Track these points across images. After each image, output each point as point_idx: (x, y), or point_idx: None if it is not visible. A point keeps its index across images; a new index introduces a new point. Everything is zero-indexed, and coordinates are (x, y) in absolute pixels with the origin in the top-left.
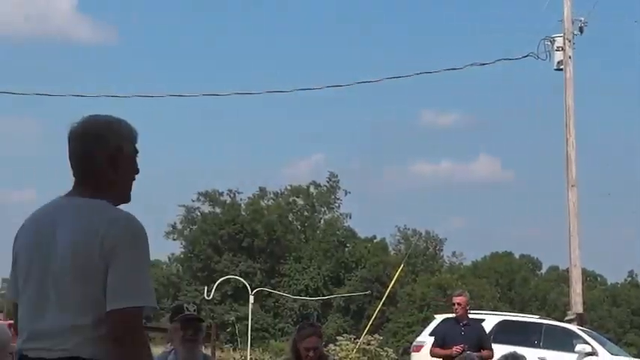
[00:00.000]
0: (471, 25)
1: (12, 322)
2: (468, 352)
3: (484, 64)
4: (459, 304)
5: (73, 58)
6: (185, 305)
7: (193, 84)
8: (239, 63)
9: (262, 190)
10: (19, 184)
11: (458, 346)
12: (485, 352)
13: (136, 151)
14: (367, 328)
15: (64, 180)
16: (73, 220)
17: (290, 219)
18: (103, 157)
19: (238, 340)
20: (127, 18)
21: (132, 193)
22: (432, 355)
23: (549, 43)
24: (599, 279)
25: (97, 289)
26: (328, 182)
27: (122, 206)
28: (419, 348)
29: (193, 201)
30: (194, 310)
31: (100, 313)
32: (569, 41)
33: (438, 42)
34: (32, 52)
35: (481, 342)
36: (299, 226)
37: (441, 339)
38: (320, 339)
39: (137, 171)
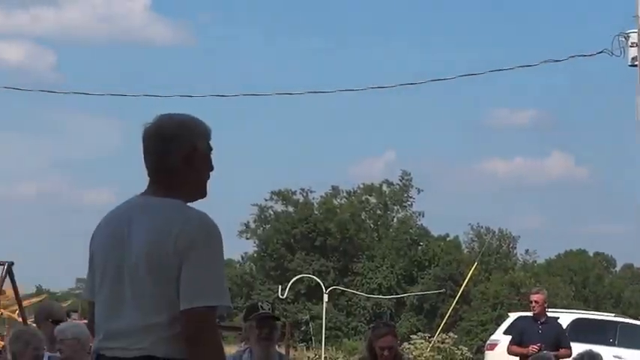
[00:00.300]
0: (543, 21)
1: (87, 321)
2: (545, 351)
3: (557, 61)
4: (536, 301)
5: (147, 57)
6: (260, 304)
7: (266, 83)
8: (311, 60)
9: (335, 188)
10: (94, 185)
11: (535, 345)
12: (562, 351)
13: (210, 149)
14: (441, 327)
15: (140, 180)
16: (148, 220)
17: (363, 217)
18: (178, 155)
19: (312, 339)
20: (201, 17)
21: (207, 191)
22: (510, 352)
23: (624, 39)
24: None
25: (171, 288)
26: (401, 180)
27: (197, 205)
28: (493, 346)
29: (266, 200)
30: (269, 309)
31: (175, 312)
32: None
33: (510, 39)
34: (106, 53)
35: (559, 340)
36: (372, 225)
37: (519, 337)
38: (395, 338)
39: (212, 168)
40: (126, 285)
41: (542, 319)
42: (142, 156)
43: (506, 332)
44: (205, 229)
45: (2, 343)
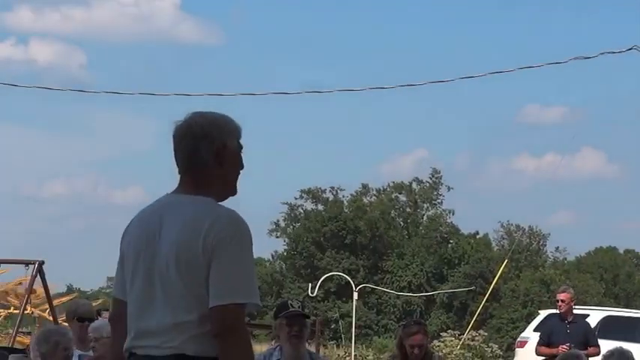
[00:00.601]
0: (573, 18)
1: (108, 317)
2: (574, 350)
3: (587, 58)
4: (562, 300)
5: (177, 56)
6: (290, 302)
7: (296, 81)
8: (342, 58)
9: (365, 186)
10: (125, 184)
11: (564, 346)
12: (591, 349)
13: (241, 147)
14: (471, 325)
15: (170, 178)
16: (178, 218)
17: (392, 215)
18: (209, 153)
19: (342, 336)
20: (230, 16)
21: (237, 190)
22: (538, 353)
23: None
24: None
25: (201, 287)
26: (431, 178)
27: (227, 203)
28: (523, 344)
29: (296, 198)
30: (299, 307)
31: (205, 310)
32: None
33: (539, 35)
34: (136, 52)
35: (587, 339)
36: (401, 223)
37: (547, 337)
38: (425, 336)
39: (242, 167)
40: (156, 284)
41: (570, 318)
42: (173, 154)
43: (536, 329)
44: (234, 226)
45: (27, 341)
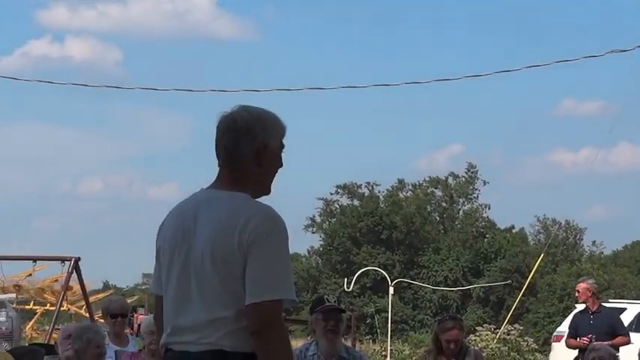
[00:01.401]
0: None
1: (154, 315)
2: (596, 342)
3: (624, 51)
4: (577, 290)
5: (212, 53)
6: (326, 297)
7: (331, 76)
8: (378, 54)
9: (400, 181)
10: (160, 180)
11: (585, 337)
12: (619, 339)
13: (283, 146)
14: (507, 319)
15: (206, 174)
16: (213, 214)
17: (428, 210)
18: (249, 150)
19: (378, 331)
20: (265, 12)
21: (273, 186)
22: (567, 346)
23: None
24: None
25: (237, 283)
26: (467, 173)
27: (263, 199)
28: (559, 338)
29: (332, 194)
30: (335, 302)
31: (241, 306)
32: None
33: (575, 29)
34: (172, 48)
35: (613, 329)
36: (437, 218)
37: (574, 330)
38: (461, 331)
39: (281, 165)
40: (192, 280)
41: (595, 309)
42: (214, 144)
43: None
44: (270, 222)
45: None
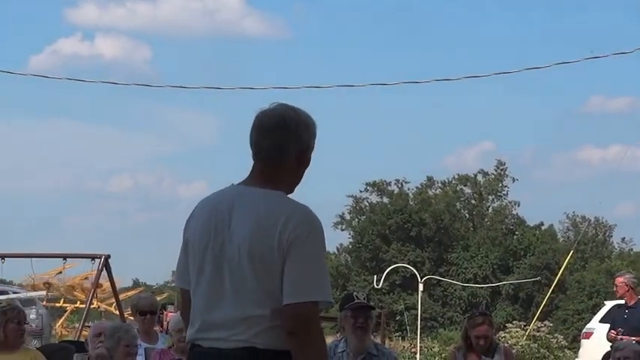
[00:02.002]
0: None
1: (180, 309)
2: (621, 337)
3: None
4: (615, 284)
5: (242, 51)
6: (355, 293)
7: (361, 74)
8: (407, 52)
9: (430, 179)
10: (190, 178)
11: (613, 332)
12: None
13: (314, 146)
14: (537, 316)
15: (235, 172)
16: (250, 210)
17: (458, 207)
18: (295, 151)
19: (407, 329)
20: (295, 9)
21: (302, 184)
22: (607, 339)
23: None
24: None
25: (273, 282)
26: (496, 170)
27: (295, 194)
28: (589, 335)
29: (361, 191)
30: (364, 299)
31: (275, 305)
32: None
33: (605, 26)
34: (201, 46)
35: None
36: (467, 215)
37: (611, 323)
38: (490, 327)
39: (309, 164)
40: (226, 276)
41: (631, 303)
42: (253, 139)
43: (602, 321)
44: (310, 223)
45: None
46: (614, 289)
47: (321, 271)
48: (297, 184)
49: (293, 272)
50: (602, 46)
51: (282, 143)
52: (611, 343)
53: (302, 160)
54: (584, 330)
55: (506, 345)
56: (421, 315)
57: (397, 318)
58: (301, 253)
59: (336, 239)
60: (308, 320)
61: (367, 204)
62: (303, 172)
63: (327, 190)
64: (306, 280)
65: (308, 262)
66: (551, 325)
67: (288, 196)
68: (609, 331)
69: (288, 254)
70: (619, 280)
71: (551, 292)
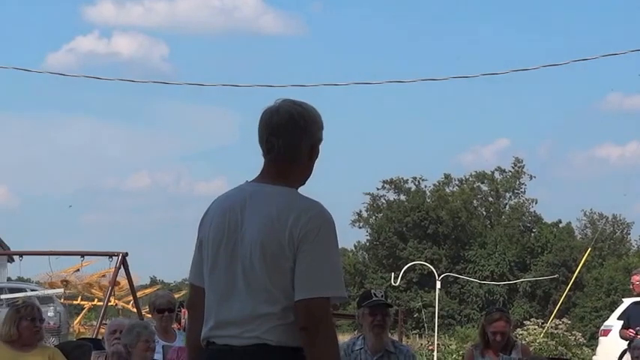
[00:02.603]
0: None
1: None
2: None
3: None
4: (632, 282)
5: (259, 48)
6: (373, 291)
7: (378, 72)
8: (424, 49)
9: (447, 176)
10: (208, 176)
11: (631, 330)
12: None
13: (322, 138)
14: (554, 313)
15: (253, 170)
16: (263, 208)
17: (475, 205)
18: (306, 147)
19: (425, 326)
20: (312, 7)
21: (319, 182)
22: (620, 336)
23: None
24: None
25: (286, 278)
26: (513, 167)
27: (310, 194)
28: (607, 332)
29: (378, 189)
30: (382, 296)
31: (288, 301)
32: None
33: (622, 23)
34: (218, 44)
35: None
36: (484, 212)
37: (627, 321)
38: (507, 324)
39: (319, 155)
40: (239, 273)
41: None
42: (263, 137)
43: (619, 318)
44: (321, 219)
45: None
46: (631, 286)
47: (333, 266)
48: (309, 177)
49: (304, 268)
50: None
51: (295, 142)
52: (628, 341)
53: (312, 154)
54: (601, 327)
55: (523, 342)
56: (438, 312)
57: (414, 315)
58: (312, 249)
59: (354, 237)
60: (320, 316)
61: (384, 201)
62: (314, 164)
63: (344, 188)
64: (317, 276)
65: (319, 258)
66: (569, 322)
67: (300, 189)
68: (622, 329)
69: (299, 250)
70: (635, 277)
71: (569, 290)
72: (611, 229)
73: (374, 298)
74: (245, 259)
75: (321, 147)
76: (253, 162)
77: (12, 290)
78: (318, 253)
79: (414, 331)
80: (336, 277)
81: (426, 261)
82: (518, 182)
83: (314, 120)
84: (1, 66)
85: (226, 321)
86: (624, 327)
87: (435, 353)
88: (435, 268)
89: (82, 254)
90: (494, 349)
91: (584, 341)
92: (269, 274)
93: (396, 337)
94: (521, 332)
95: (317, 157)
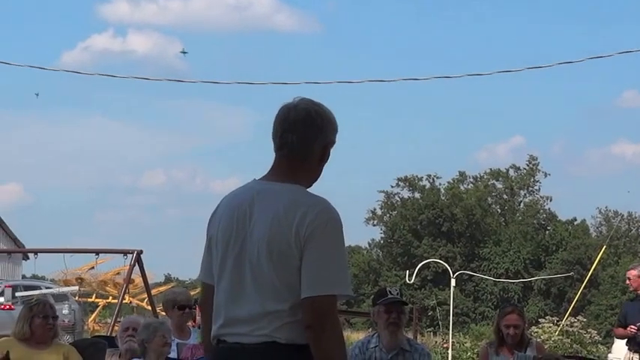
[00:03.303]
0: None
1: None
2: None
3: None
4: (628, 277)
5: (273, 45)
6: (388, 289)
7: (392, 69)
8: (439, 47)
9: (461, 174)
10: (222, 173)
11: (633, 326)
12: None
13: (335, 141)
14: (569, 311)
15: (268, 167)
16: (270, 206)
17: (489, 202)
18: (319, 147)
19: (439, 324)
20: (326, 4)
21: (333, 180)
22: (616, 336)
23: None
24: None
25: (293, 276)
26: (528, 165)
27: (323, 193)
28: None
29: (393, 187)
30: (397, 294)
31: (296, 299)
32: None
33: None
34: (233, 42)
35: None
36: (498, 210)
37: (623, 319)
38: (520, 317)
39: (329, 159)
40: (247, 272)
41: None
42: (277, 133)
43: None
44: (326, 216)
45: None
46: (627, 281)
47: (339, 263)
48: (316, 180)
49: (310, 266)
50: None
51: (309, 139)
52: (621, 339)
53: (323, 156)
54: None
55: (538, 340)
56: (453, 310)
57: (429, 313)
58: (318, 246)
59: (368, 234)
60: (325, 313)
61: (399, 199)
62: (323, 167)
63: (358, 186)
64: (323, 274)
65: (325, 255)
66: (584, 320)
67: (309, 187)
68: (618, 326)
69: (306, 248)
70: (633, 273)
71: (584, 288)
72: (627, 226)
73: (389, 296)
74: (253, 257)
75: (332, 151)
76: (268, 160)
77: (27, 288)
78: (324, 251)
79: (429, 329)
80: (341, 274)
81: (440, 259)
82: (532, 180)
83: (330, 121)
84: (17, 64)
85: (236, 319)
86: (619, 325)
87: (449, 351)
88: (449, 265)
89: (97, 252)
90: (509, 346)
91: (600, 339)
92: (276, 272)
93: (410, 335)
94: (536, 330)
95: (327, 160)
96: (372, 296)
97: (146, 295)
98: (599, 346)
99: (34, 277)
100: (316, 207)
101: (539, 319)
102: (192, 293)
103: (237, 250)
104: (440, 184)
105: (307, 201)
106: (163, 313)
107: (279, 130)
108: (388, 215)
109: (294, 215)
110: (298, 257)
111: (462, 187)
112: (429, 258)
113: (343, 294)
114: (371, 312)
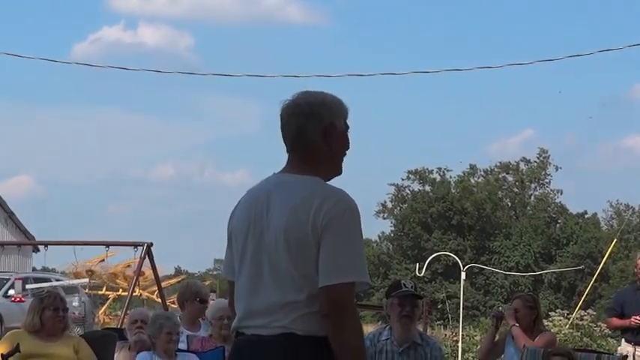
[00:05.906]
0: None
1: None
2: None
3: None
4: (636, 265)
5: (283, 38)
6: (403, 281)
7: (403, 61)
8: (452, 39)
9: (472, 167)
10: (232, 166)
11: (637, 317)
12: None
13: (348, 127)
14: (579, 304)
15: (278, 160)
16: (286, 198)
17: (500, 196)
18: (317, 132)
19: (449, 317)
20: None
21: (343, 172)
22: (609, 326)
23: None
24: None
25: (310, 266)
26: (538, 158)
27: (335, 184)
28: None
29: (403, 179)
30: (412, 287)
31: (313, 289)
32: None
33: None
34: (243, 34)
35: None
36: (509, 203)
37: (620, 308)
38: (523, 303)
39: (348, 147)
40: (264, 263)
41: None
42: (280, 132)
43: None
44: (344, 205)
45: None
46: (635, 269)
47: (356, 251)
48: (339, 165)
49: (327, 254)
50: None
51: (301, 127)
52: (615, 330)
53: (331, 139)
54: None
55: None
56: (463, 303)
57: (439, 306)
58: (335, 235)
59: (378, 227)
60: (343, 302)
61: (409, 192)
62: (341, 152)
63: (369, 178)
64: (340, 262)
65: (342, 244)
66: (595, 313)
67: (334, 178)
68: (612, 316)
69: (323, 237)
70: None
71: (594, 281)
72: (638, 220)
73: (404, 289)
74: (270, 250)
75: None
76: (278, 153)
77: (37, 280)
78: (341, 240)
79: (439, 322)
80: (359, 262)
81: (450, 252)
82: (543, 173)
83: (324, 104)
84: (27, 56)
85: (254, 311)
86: (616, 314)
87: (459, 344)
88: (459, 258)
89: (107, 244)
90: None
91: (610, 332)
92: (293, 262)
93: (421, 328)
94: (546, 323)
95: (343, 146)
96: (387, 288)
97: (156, 288)
98: (609, 339)
99: (45, 269)
100: (334, 197)
101: (550, 313)
102: None
103: (255, 242)
104: (450, 177)
105: (324, 191)
106: (174, 306)
107: (281, 127)
108: (398, 208)
109: (311, 205)
110: (316, 246)
111: (472, 180)
112: (439, 251)
113: (361, 281)
114: (384, 304)
